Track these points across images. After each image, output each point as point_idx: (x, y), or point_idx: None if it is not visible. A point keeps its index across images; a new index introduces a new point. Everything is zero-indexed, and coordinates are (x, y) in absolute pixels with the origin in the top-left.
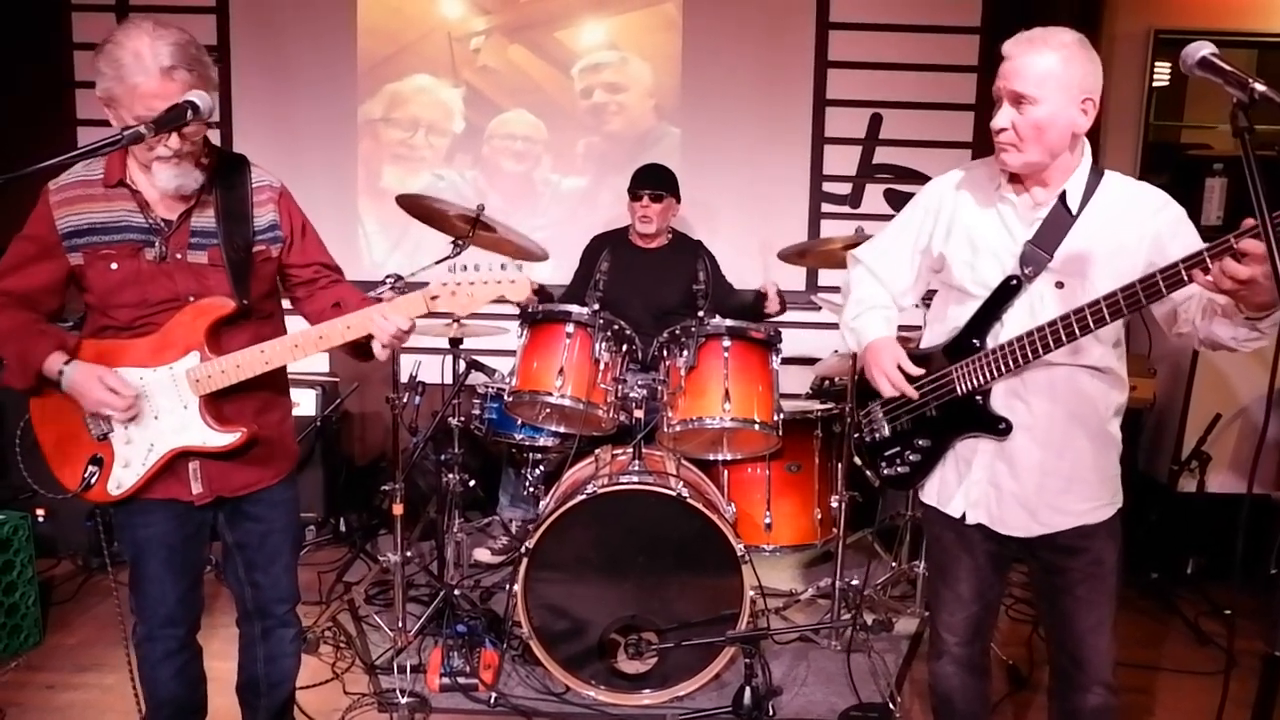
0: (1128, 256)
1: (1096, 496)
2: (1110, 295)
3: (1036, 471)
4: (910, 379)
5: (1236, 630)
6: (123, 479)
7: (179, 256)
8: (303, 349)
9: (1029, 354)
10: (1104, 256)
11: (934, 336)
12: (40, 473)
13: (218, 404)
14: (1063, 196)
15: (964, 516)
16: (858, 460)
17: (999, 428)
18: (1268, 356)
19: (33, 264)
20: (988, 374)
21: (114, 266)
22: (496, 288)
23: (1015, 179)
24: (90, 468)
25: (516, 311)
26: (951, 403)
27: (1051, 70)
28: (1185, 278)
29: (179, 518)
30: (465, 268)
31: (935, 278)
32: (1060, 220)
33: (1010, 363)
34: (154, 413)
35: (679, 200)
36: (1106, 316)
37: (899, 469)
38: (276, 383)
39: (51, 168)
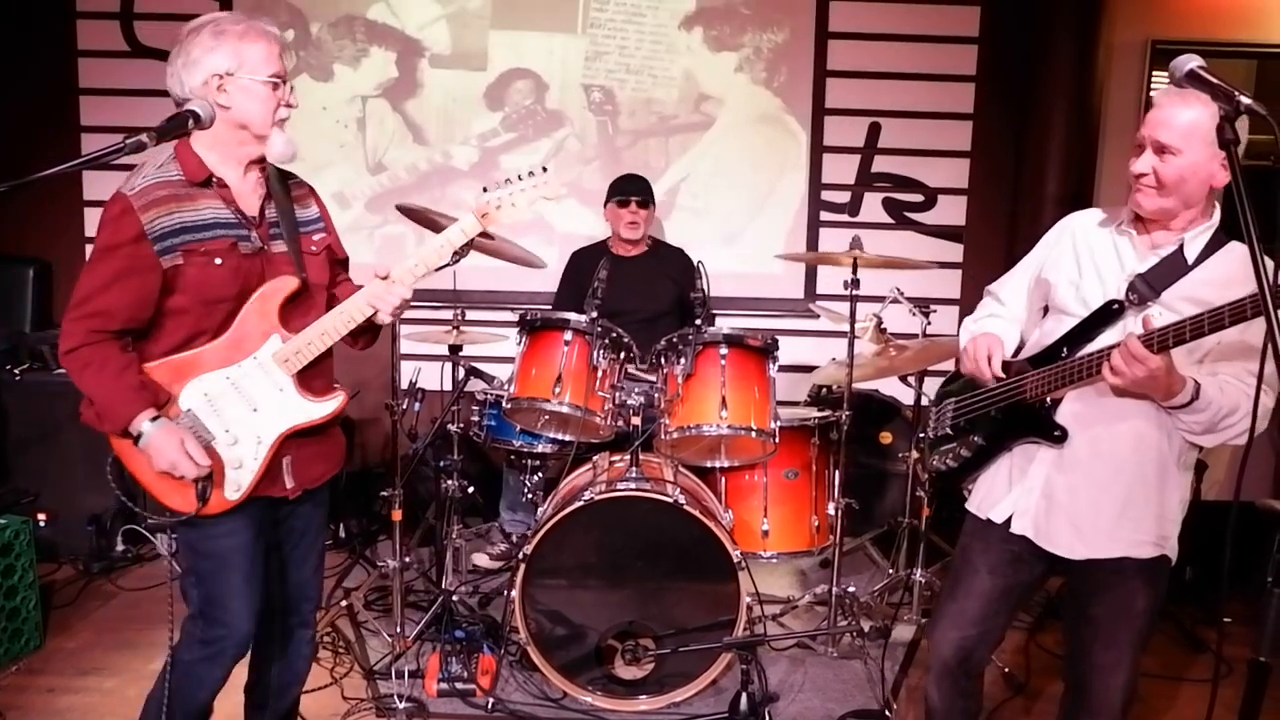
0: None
1: (1146, 531)
2: (1195, 316)
3: (1094, 489)
4: (994, 378)
5: (1234, 638)
6: (240, 480)
7: (266, 247)
8: (370, 306)
9: (1103, 364)
10: (1205, 308)
11: (1030, 351)
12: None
13: (307, 379)
14: (1181, 246)
15: (1008, 523)
16: (914, 453)
17: (1054, 434)
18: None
19: (126, 277)
20: (1061, 381)
21: (218, 262)
22: (534, 192)
23: (1138, 219)
24: (200, 482)
25: (515, 318)
26: (1014, 405)
27: (1198, 124)
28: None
29: (256, 523)
30: (498, 183)
31: (1046, 302)
32: (1176, 266)
33: (1084, 373)
34: (251, 405)
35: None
36: (1187, 335)
37: (949, 462)
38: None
39: (56, 175)
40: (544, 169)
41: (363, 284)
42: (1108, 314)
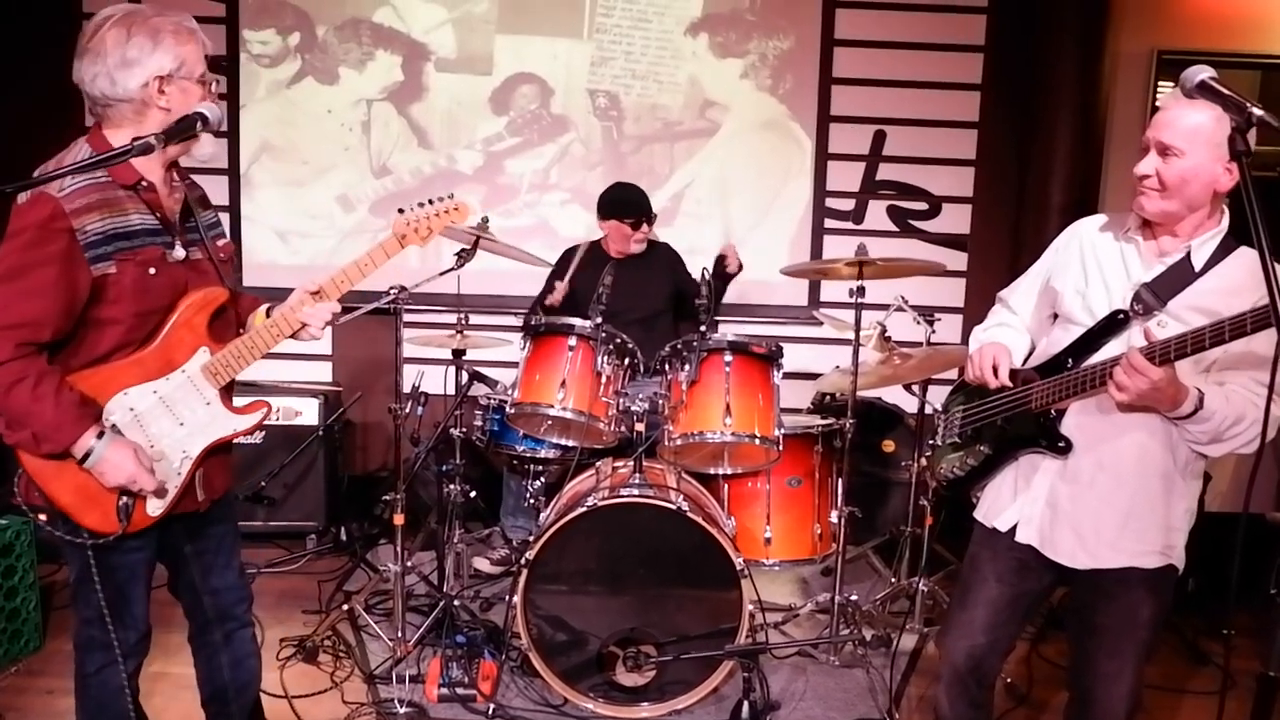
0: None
1: (1150, 541)
2: (1197, 330)
3: (1096, 499)
4: (1000, 387)
5: (1235, 650)
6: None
7: (188, 255)
8: (296, 321)
9: (1106, 379)
10: (1212, 318)
11: (1037, 360)
12: None
13: (227, 393)
14: (1189, 253)
15: (1013, 531)
16: (923, 461)
17: (1059, 445)
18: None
19: (57, 284)
20: (1066, 392)
21: (152, 271)
22: (446, 217)
23: (1146, 225)
24: (123, 499)
25: (519, 323)
26: (1020, 416)
27: (1202, 126)
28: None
29: (158, 535)
30: (411, 207)
31: (1053, 310)
32: (1183, 274)
33: (1088, 384)
34: (178, 420)
35: None
36: (1189, 348)
37: (956, 470)
38: None
39: (62, 175)
40: (451, 195)
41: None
42: (1113, 324)
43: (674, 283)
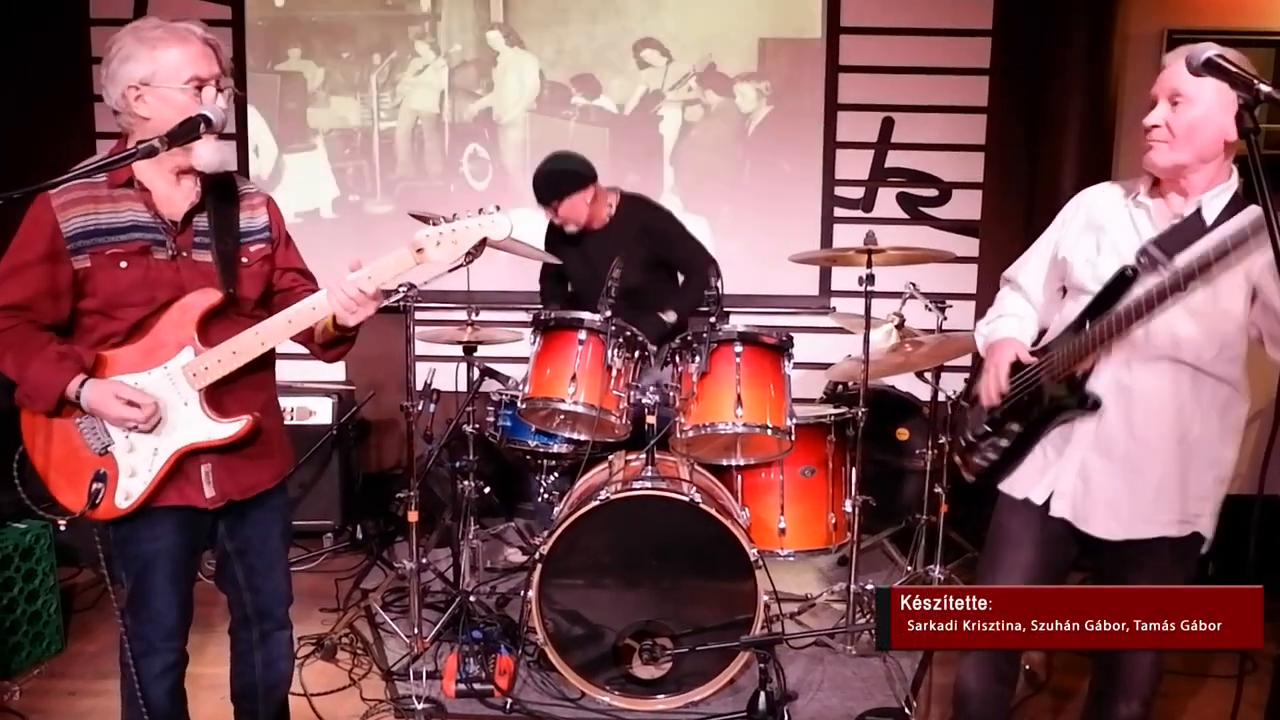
0: (1237, 277)
1: (1181, 510)
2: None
3: (1129, 471)
4: (1022, 365)
5: None
6: (131, 489)
7: (185, 255)
8: (294, 324)
9: (1118, 326)
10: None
11: (1053, 334)
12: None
13: (217, 397)
14: (1199, 209)
15: (1047, 505)
16: (957, 459)
17: (1090, 403)
18: None
19: (33, 270)
20: (1086, 348)
21: (124, 265)
22: (479, 230)
23: (1155, 186)
24: (95, 484)
25: (530, 317)
26: (1045, 386)
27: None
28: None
29: (184, 528)
30: (445, 218)
31: (1064, 283)
32: (1192, 229)
33: (1102, 335)
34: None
35: (593, 181)
36: (1181, 285)
37: (989, 456)
38: (269, 382)
39: (69, 180)
40: (496, 208)
41: None
42: (1122, 281)
43: (645, 249)
